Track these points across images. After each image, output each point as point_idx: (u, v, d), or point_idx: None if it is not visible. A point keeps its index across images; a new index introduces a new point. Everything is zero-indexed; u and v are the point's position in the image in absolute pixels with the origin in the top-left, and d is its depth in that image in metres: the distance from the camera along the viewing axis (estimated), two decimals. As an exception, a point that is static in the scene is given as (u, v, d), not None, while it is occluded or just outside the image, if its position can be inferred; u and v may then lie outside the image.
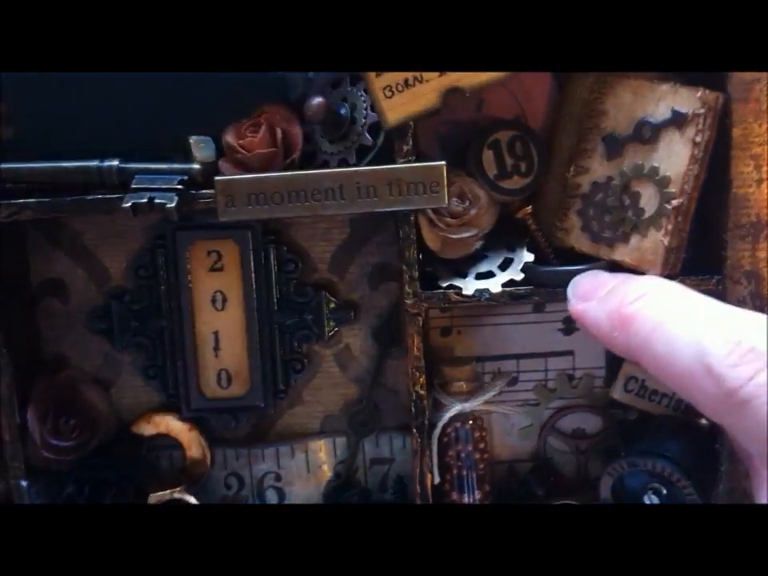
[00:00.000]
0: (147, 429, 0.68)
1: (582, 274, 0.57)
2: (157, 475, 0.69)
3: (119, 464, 0.68)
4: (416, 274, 0.59)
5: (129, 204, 0.57)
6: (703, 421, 0.61)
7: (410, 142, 0.57)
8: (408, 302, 0.59)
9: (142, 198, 0.57)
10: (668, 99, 0.55)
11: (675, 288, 0.53)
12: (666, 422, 0.62)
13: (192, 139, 0.60)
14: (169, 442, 0.69)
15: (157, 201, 0.57)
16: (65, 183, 0.60)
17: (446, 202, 0.56)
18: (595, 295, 0.54)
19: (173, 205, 0.57)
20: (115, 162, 0.60)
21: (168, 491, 0.66)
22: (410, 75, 0.55)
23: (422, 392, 0.61)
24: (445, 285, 0.59)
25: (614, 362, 0.64)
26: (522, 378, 0.66)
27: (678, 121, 0.55)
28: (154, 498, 0.66)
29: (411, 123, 0.57)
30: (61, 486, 0.66)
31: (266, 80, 0.60)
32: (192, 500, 0.66)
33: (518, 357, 0.66)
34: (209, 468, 0.69)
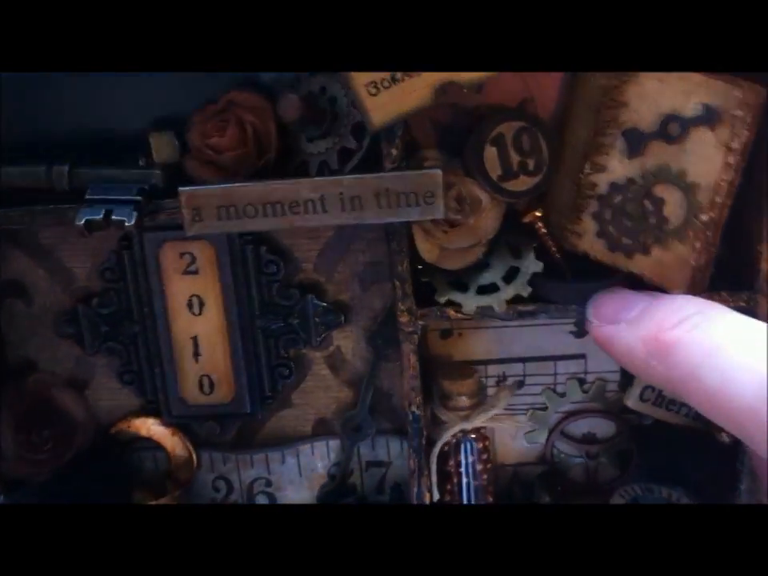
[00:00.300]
0: (128, 433, 0.64)
1: (603, 292, 0.50)
2: (141, 478, 0.65)
3: (100, 469, 0.64)
4: (410, 290, 0.53)
5: (82, 222, 0.50)
6: (724, 436, 0.56)
7: (400, 146, 0.49)
8: (402, 320, 0.53)
9: (97, 214, 0.51)
10: (700, 92, 0.47)
11: (723, 311, 0.46)
12: (684, 436, 0.57)
13: (152, 136, 0.53)
14: (152, 444, 0.65)
15: (114, 218, 0.50)
16: (11, 189, 0.54)
17: (443, 213, 0.49)
18: (622, 317, 0.48)
19: (131, 223, 0.50)
20: (65, 167, 0.52)
21: (153, 501, 0.62)
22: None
23: (418, 412, 0.55)
24: (443, 300, 0.53)
25: (630, 366, 0.59)
26: (528, 382, 0.61)
27: (710, 119, 0.47)
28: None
29: (400, 124, 0.49)
30: (41, 498, 0.62)
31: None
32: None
33: (525, 360, 0.60)
34: (195, 471, 0.65)
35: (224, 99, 0.53)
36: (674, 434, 0.59)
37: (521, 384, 0.61)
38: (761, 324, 0.44)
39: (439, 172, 0.49)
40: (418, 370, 0.54)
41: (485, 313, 0.52)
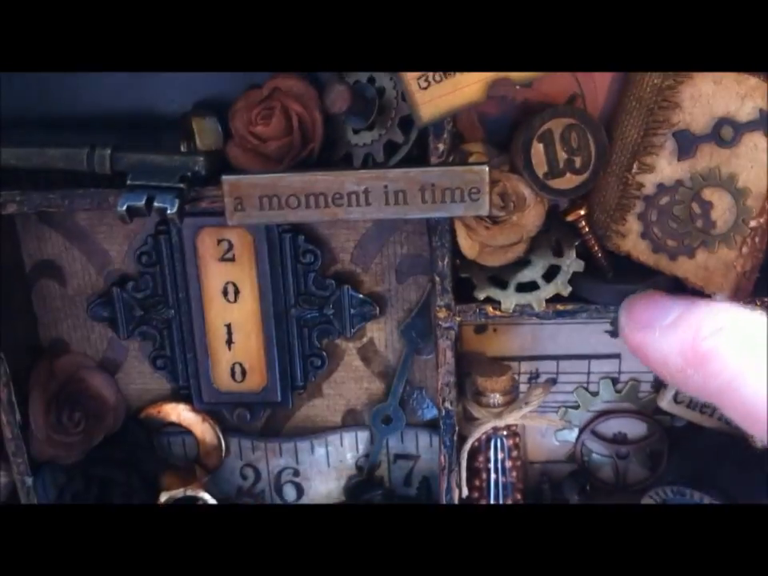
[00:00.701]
0: (158, 418, 0.64)
1: (636, 296, 0.50)
2: (169, 463, 0.65)
3: (129, 453, 0.64)
4: (449, 286, 0.52)
5: (124, 207, 0.50)
6: (758, 441, 0.55)
7: (448, 141, 0.49)
8: (440, 315, 0.53)
9: (139, 200, 0.50)
10: (756, 96, 0.47)
11: (762, 319, 0.45)
12: (717, 440, 0.57)
13: (195, 121, 0.53)
14: (181, 429, 0.65)
15: (156, 204, 0.50)
16: (53, 171, 0.53)
17: (488, 210, 0.49)
18: (656, 323, 0.48)
19: (174, 211, 0.50)
20: (108, 151, 0.52)
21: (181, 489, 0.62)
22: (449, 64, 0.47)
23: (451, 408, 0.55)
24: (482, 297, 0.53)
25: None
26: (561, 380, 0.61)
27: (764, 124, 0.46)
28: (166, 495, 0.62)
29: (449, 119, 0.49)
30: (68, 481, 0.63)
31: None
32: (206, 497, 0.63)
33: (558, 358, 0.60)
34: (223, 458, 0.65)
35: (269, 85, 0.52)
36: (706, 437, 0.59)
37: (554, 381, 0.61)
38: None
39: (486, 168, 0.48)
40: (453, 366, 0.54)
41: (523, 311, 0.52)
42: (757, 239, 0.48)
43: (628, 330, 0.49)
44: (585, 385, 0.61)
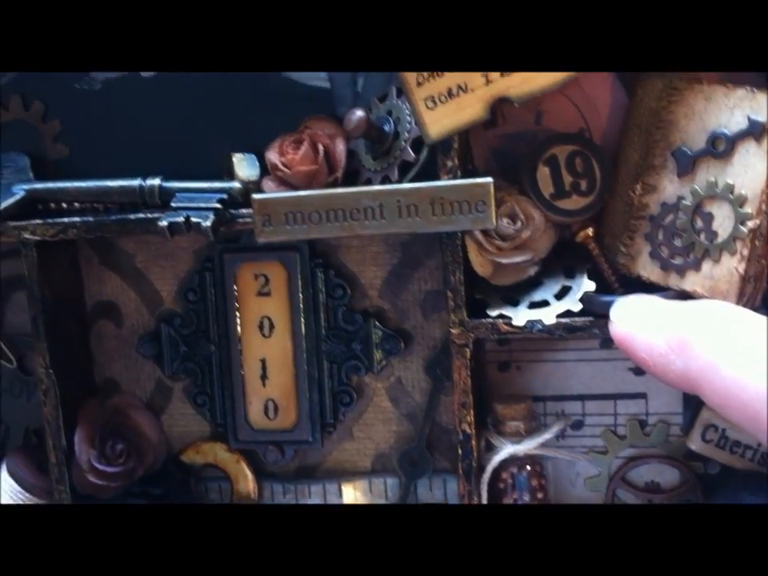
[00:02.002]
0: (196, 458, 0.66)
1: (627, 297, 0.51)
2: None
3: (165, 492, 0.66)
4: (462, 301, 0.54)
5: (165, 223, 0.56)
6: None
7: (455, 158, 0.53)
8: (454, 331, 0.55)
9: (179, 217, 0.56)
10: (744, 106, 0.49)
11: (742, 311, 0.46)
12: (748, 475, 0.54)
13: (235, 157, 0.59)
14: (217, 474, 0.66)
15: (193, 220, 0.55)
16: (110, 202, 0.60)
17: (494, 222, 0.51)
18: (644, 316, 0.48)
19: (208, 224, 0.55)
20: (157, 181, 0.58)
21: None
22: (453, 84, 0.51)
23: (469, 430, 0.55)
24: (494, 314, 0.54)
25: (693, 406, 0.57)
26: (588, 422, 0.60)
27: (754, 131, 0.48)
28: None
29: (456, 137, 0.53)
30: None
31: (313, 94, 0.58)
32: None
33: (584, 398, 0.60)
34: (255, 502, 0.66)
35: (302, 125, 0.58)
36: (742, 485, 0.56)
37: (580, 424, 0.60)
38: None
39: (490, 180, 0.51)
40: (469, 385, 0.55)
41: (534, 326, 0.53)
42: (757, 243, 0.48)
43: (617, 323, 0.49)
44: (612, 427, 0.60)
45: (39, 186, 0.61)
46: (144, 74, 0.60)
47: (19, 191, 0.60)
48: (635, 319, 0.48)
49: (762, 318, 0.44)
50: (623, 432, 0.60)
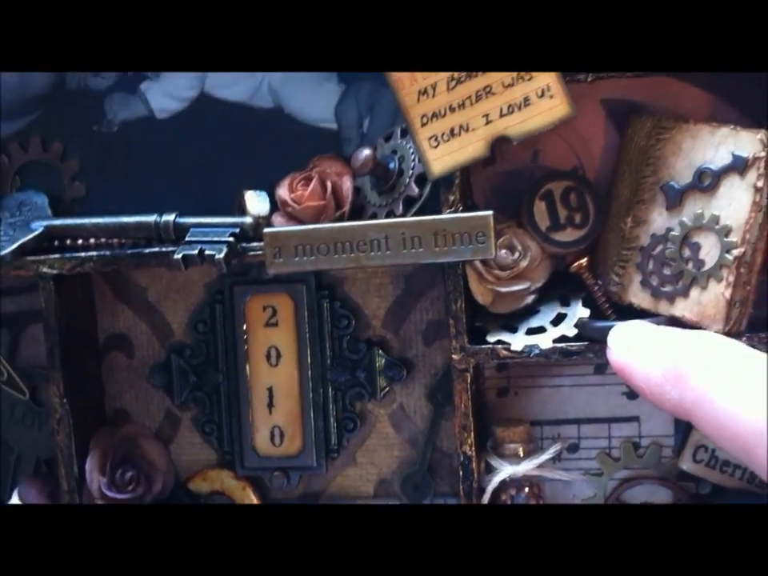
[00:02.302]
0: (203, 486, 0.68)
1: (623, 323, 0.53)
2: (211, 535, 0.68)
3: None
4: (463, 328, 0.57)
5: (180, 255, 0.58)
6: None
7: (457, 193, 0.56)
8: (455, 357, 0.57)
9: (193, 250, 0.58)
10: (728, 143, 0.52)
11: (736, 344, 0.48)
12: (738, 494, 0.57)
13: (247, 193, 0.62)
14: (224, 501, 0.68)
15: (207, 252, 0.58)
16: (127, 238, 0.63)
17: (493, 252, 0.54)
18: (640, 347, 0.51)
19: (221, 256, 0.58)
20: (172, 217, 0.61)
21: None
22: (455, 124, 0.55)
23: (470, 452, 0.58)
24: (493, 340, 0.57)
25: (684, 428, 0.60)
26: (583, 445, 0.63)
27: (738, 166, 0.52)
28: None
29: (457, 173, 0.56)
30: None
31: (321, 134, 0.62)
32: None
33: (579, 422, 0.63)
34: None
35: (311, 164, 0.61)
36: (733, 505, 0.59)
37: (576, 447, 0.63)
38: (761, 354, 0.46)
39: (490, 213, 0.54)
40: (470, 408, 0.57)
41: (531, 351, 0.56)
42: (742, 270, 0.52)
43: (615, 351, 0.52)
44: (607, 450, 0.62)
45: (57, 222, 0.63)
46: (159, 115, 0.63)
47: (38, 227, 0.63)
48: (633, 348, 0.50)
49: (757, 352, 0.47)
50: (617, 454, 0.62)
